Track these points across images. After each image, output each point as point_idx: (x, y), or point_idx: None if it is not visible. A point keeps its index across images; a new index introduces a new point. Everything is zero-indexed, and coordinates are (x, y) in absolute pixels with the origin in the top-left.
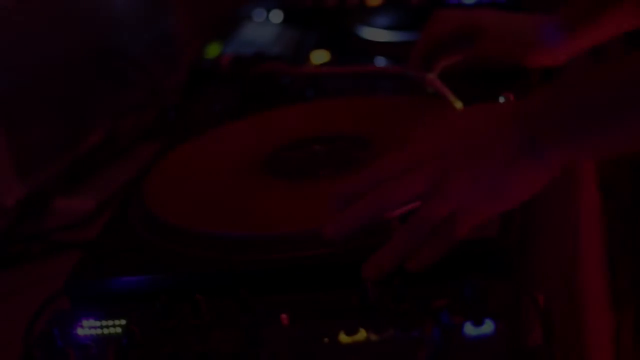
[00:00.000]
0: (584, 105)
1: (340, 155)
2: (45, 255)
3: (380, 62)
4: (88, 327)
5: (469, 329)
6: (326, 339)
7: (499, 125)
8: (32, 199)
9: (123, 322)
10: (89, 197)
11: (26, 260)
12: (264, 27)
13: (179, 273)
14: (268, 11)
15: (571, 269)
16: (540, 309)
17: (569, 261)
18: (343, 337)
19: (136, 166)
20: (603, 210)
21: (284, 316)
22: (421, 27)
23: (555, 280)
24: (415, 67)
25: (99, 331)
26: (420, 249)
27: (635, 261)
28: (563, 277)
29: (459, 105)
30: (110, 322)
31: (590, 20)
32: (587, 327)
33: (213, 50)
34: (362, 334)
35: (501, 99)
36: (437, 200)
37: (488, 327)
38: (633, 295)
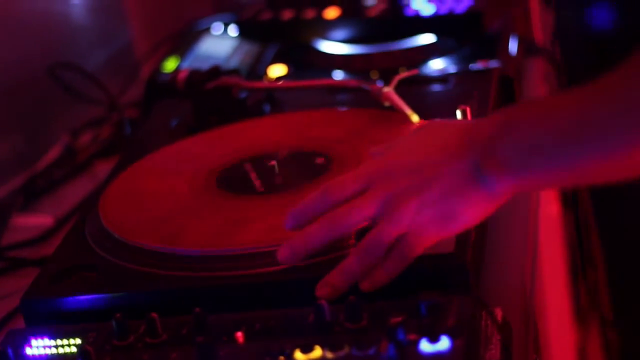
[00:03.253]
0: (529, 139)
1: (296, 169)
2: (3, 272)
3: (338, 75)
4: (42, 347)
5: (425, 345)
6: (282, 357)
7: (448, 147)
8: None
9: (78, 341)
10: (46, 213)
11: None
12: (222, 41)
13: (135, 291)
14: (226, 25)
15: (530, 282)
16: (499, 324)
17: (528, 275)
18: (299, 355)
19: (94, 182)
20: (564, 222)
21: (239, 334)
22: (378, 39)
23: (514, 295)
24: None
25: (53, 350)
26: (374, 269)
27: (596, 274)
28: (522, 291)
29: (415, 118)
30: (65, 342)
31: None
32: (550, 342)
33: (170, 64)
34: (317, 352)
35: (458, 113)
36: (387, 223)
37: (444, 343)
38: (595, 309)
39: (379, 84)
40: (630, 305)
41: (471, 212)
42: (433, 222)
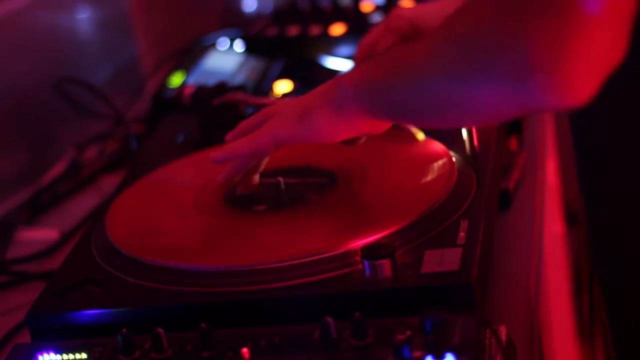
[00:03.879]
0: (372, 73)
1: (302, 186)
2: (8, 286)
3: None
4: None
5: None
6: None
7: (324, 85)
8: None
9: (84, 355)
10: (52, 227)
11: None
12: (228, 57)
13: (140, 306)
14: (232, 40)
15: (535, 300)
16: (503, 342)
17: (533, 292)
18: None
19: (99, 196)
20: (567, 240)
21: (244, 350)
22: None
23: (518, 312)
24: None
25: None
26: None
27: (601, 291)
28: (527, 308)
29: (420, 136)
30: (71, 356)
31: None
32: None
33: (176, 79)
34: None
35: (464, 132)
36: (263, 125)
37: None
38: (600, 326)
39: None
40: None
41: (324, 121)
42: (290, 116)
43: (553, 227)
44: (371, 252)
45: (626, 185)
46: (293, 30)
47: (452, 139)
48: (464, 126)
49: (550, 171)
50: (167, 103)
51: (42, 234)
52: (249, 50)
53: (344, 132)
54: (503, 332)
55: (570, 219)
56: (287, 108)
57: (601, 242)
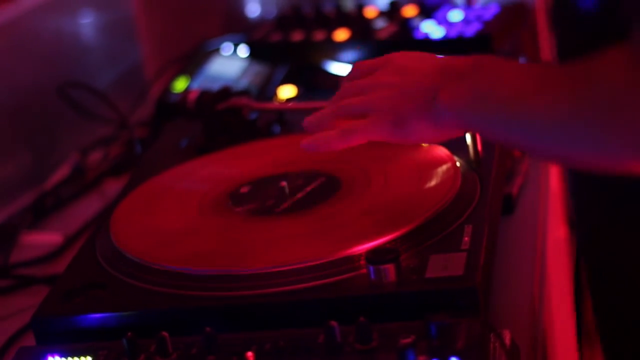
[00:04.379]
0: (482, 86)
1: (307, 191)
2: (12, 290)
3: None
4: None
5: None
6: None
7: (432, 68)
8: None
9: (89, 359)
10: (56, 231)
11: None
12: (231, 62)
13: (145, 310)
14: (235, 45)
15: (539, 305)
16: (507, 346)
17: (536, 297)
18: None
19: (103, 200)
20: (570, 245)
21: (249, 354)
22: None
23: (522, 317)
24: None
25: None
26: (321, 135)
27: (601, 295)
28: (531, 313)
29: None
30: (76, 359)
31: None
32: None
33: (180, 84)
34: None
35: (467, 137)
36: (361, 98)
37: None
38: (599, 331)
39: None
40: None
41: (416, 129)
42: (387, 117)
43: (556, 232)
44: (376, 256)
45: (616, 189)
46: (297, 36)
47: (456, 144)
48: None
49: (553, 176)
50: (171, 107)
51: (45, 238)
52: (253, 55)
53: (438, 139)
54: (507, 336)
55: (572, 224)
56: (385, 102)
57: (592, 247)
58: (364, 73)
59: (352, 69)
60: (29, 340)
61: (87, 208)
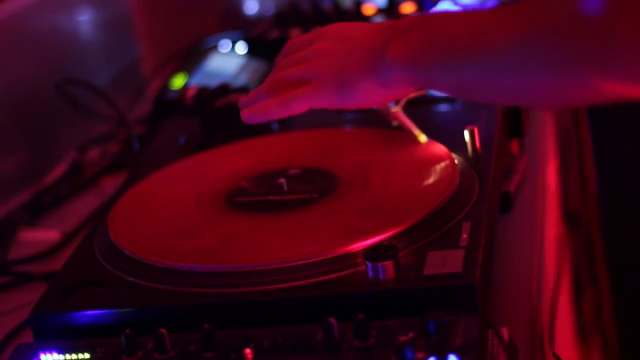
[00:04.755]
0: (430, 38)
1: (305, 187)
2: (10, 287)
3: None
4: None
5: None
6: None
7: (373, 30)
8: None
9: (87, 356)
10: (53, 228)
11: None
12: (229, 59)
13: (143, 307)
14: (233, 42)
15: (537, 302)
16: (505, 343)
17: (534, 294)
18: None
19: (101, 197)
20: (568, 242)
21: (247, 351)
22: None
23: (520, 314)
24: None
25: None
26: (260, 105)
27: (598, 293)
28: (528, 310)
29: (423, 138)
30: (73, 356)
31: None
32: None
33: (178, 81)
34: None
35: (466, 133)
36: (300, 67)
37: None
38: (597, 327)
39: (389, 103)
40: (633, 324)
41: (362, 91)
42: (332, 82)
43: (554, 230)
44: (374, 253)
45: None
46: (295, 33)
47: (454, 142)
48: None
49: (551, 174)
50: (170, 105)
51: (43, 235)
52: (251, 52)
53: (383, 101)
54: (505, 333)
55: (570, 221)
56: (326, 68)
57: (613, 241)
58: (299, 48)
59: (287, 45)
60: (27, 337)
61: (84, 205)
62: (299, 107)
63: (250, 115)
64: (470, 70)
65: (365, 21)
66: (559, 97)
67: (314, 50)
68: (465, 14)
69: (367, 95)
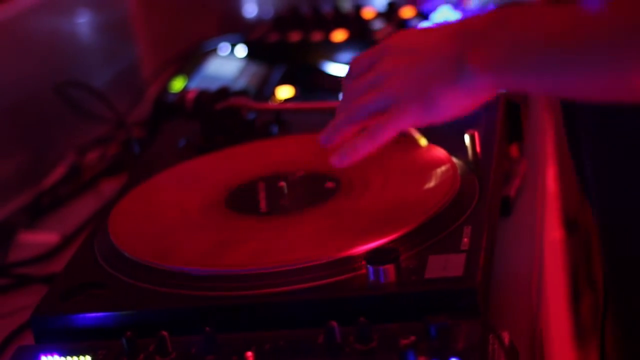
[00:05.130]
0: (516, 38)
1: (305, 191)
2: (9, 289)
3: None
4: None
5: None
6: None
7: (443, 36)
8: None
9: (88, 358)
10: (53, 230)
11: None
12: (229, 62)
13: (145, 309)
14: (233, 46)
15: (537, 306)
16: (506, 347)
17: (534, 298)
18: None
19: (100, 200)
20: (567, 247)
21: (249, 354)
22: None
23: (520, 319)
24: None
25: None
26: (345, 145)
27: (596, 296)
28: (529, 314)
29: (423, 142)
30: (75, 359)
31: None
32: None
33: (178, 84)
34: None
35: (466, 137)
36: (373, 93)
37: None
38: (595, 330)
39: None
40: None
41: (449, 103)
42: (412, 101)
43: (553, 234)
44: (375, 257)
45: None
46: (294, 36)
47: (454, 146)
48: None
49: (550, 178)
50: (169, 107)
51: (42, 237)
52: (250, 55)
53: (471, 108)
54: (506, 337)
55: (569, 226)
56: (404, 88)
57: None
58: (365, 68)
59: (351, 66)
60: (26, 340)
61: (83, 207)
62: (387, 135)
63: (339, 159)
64: (568, 69)
65: (365, 25)
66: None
67: (383, 71)
68: (540, 12)
69: (454, 106)
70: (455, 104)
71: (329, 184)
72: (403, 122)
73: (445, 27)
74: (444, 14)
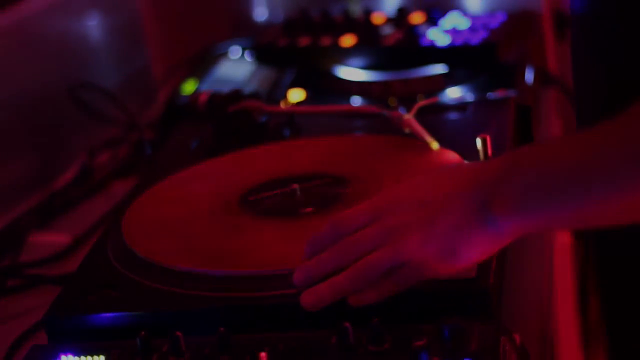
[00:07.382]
0: (533, 180)
1: (317, 193)
2: (21, 290)
3: (356, 101)
4: None
5: None
6: None
7: (457, 186)
8: (8, 234)
9: (102, 358)
10: (64, 231)
11: (1, 294)
12: (239, 65)
13: (158, 310)
14: (243, 49)
15: (547, 308)
16: (518, 349)
17: (545, 301)
18: None
19: (111, 201)
20: (575, 253)
21: (262, 355)
22: (394, 68)
23: (531, 321)
24: None
25: None
26: (365, 289)
27: (603, 300)
28: (539, 317)
29: (435, 145)
30: (89, 358)
31: None
32: None
33: (189, 87)
34: None
35: (478, 141)
36: (387, 252)
37: None
38: (601, 334)
39: (401, 111)
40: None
41: (473, 251)
42: (434, 256)
43: (562, 239)
44: None
45: None
46: (304, 41)
47: (466, 149)
48: None
49: None
50: (181, 109)
51: (53, 238)
52: (260, 59)
53: (493, 252)
54: (517, 340)
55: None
56: (426, 243)
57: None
58: (353, 227)
59: (335, 224)
60: (38, 340)
61: (95, 209)
62: (400, 289)
63: (357, 301)
64: (591, 198)
65: (374, 30)
66: None
67: (392, 227)
68: (552, 145)
69: (477, 253)
70: (480, 251)
71: (343, 188)
72: (419, 279)
73: (451, 176)
74: (453, 20)
